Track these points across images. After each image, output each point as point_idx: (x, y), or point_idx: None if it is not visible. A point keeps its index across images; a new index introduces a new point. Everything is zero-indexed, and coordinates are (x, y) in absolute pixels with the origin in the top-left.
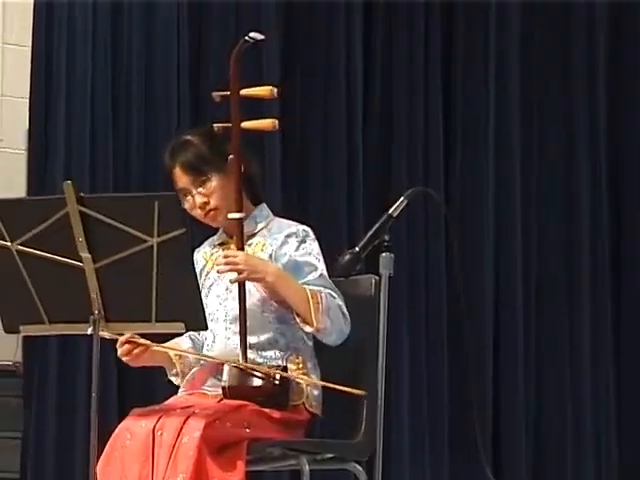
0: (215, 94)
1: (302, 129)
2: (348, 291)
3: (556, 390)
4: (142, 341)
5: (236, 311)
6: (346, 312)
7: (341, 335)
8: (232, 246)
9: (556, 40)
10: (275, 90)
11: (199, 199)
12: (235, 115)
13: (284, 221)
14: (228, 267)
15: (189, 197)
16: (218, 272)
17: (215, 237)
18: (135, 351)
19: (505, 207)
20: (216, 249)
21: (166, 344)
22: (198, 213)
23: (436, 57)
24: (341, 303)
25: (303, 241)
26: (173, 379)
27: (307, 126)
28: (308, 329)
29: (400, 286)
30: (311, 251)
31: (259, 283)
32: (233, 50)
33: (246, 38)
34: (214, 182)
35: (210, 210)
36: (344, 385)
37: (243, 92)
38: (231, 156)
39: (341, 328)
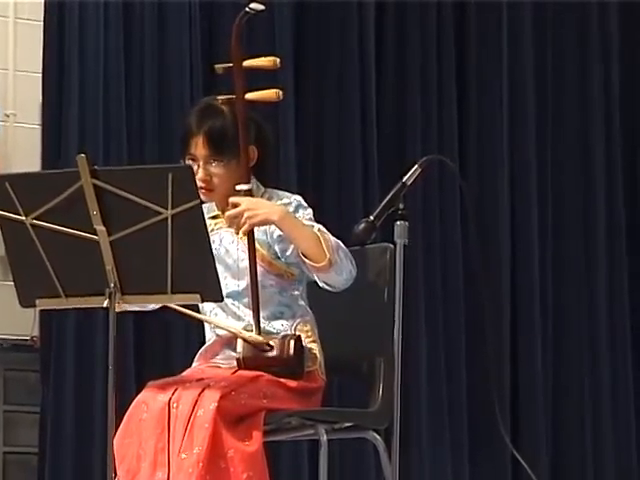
0: (218, 66)
1: (316, 100)
2: (363, 260)
3: (575, 368)
4: None
5: (236, 287)
6: (352, 258)
7: (350, 277)
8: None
9: (570, 26)
10: (278, 60)
11: (202, 174)
12: (239, 87)
13: (276, 192)
14: (234, 217)
15: (195, 164)
16: (232, 229)
17: (205, 209)
18: None
19: (521, 173)
20: (209, 222)
21: None
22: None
23: (450, 35)
24: (347, 250)
25: (296, 210)
26: None
27: (321, 97)
28: (320, 264)
29: (416, 254)
30: (306, 216)
31: (267, 225)
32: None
33: (246, 9)
34: (224, 168)
35: (207, 189)
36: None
37: (246, 63)
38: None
39: (350, 269)
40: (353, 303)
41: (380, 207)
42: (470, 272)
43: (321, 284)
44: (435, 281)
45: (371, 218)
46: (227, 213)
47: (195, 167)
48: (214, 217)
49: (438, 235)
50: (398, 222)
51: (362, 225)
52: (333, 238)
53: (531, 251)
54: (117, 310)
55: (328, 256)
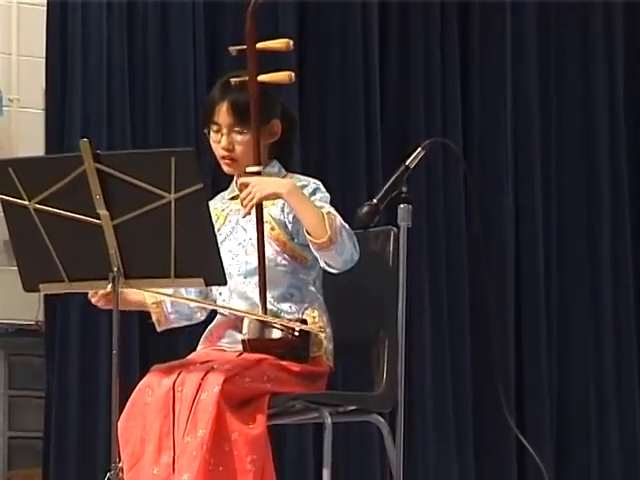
0: (232, 48)
1: (320, 83)
2: (367, 243)
3: (579, 358)
4: None
5: (249, 265)
6: (356, 243)
7: (350, 259)
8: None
9: (574, 26)
10: (291, 43)
11: (225, 142)
12: (252, 68)
13: (296, 176)
14: (244, 198)
15: (219, 134)
16: (243, 205)
17: (226, 192)
18: (101, 291)
19: (524, 156)
20: (227, 204)
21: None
22: (219, 152)
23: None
24: (352, 232)
25: (313, 193)
26: (155, 323)
27: (325, 79)
28: (321, 240)
29: (420, 237)
30: (320, 199)
31: (275, 198)
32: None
33: None
34: (248, 136)
35: (230, 158)
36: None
37: (259, 45)
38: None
39: (352, 252)
40: (357, 286)
41: (383, 190)
42: (474, 255)
43: (322, 264)
44: (439, 264)
45: (374, 201)
46: (240, 180)
47: (219, 136)
48: (234, 197)
49: (442, 218)
50: (401, 205)
51: (365, 208)
52: (340, 220)
53: (535, 233)
54: (162, 328)
55: (329, 233)
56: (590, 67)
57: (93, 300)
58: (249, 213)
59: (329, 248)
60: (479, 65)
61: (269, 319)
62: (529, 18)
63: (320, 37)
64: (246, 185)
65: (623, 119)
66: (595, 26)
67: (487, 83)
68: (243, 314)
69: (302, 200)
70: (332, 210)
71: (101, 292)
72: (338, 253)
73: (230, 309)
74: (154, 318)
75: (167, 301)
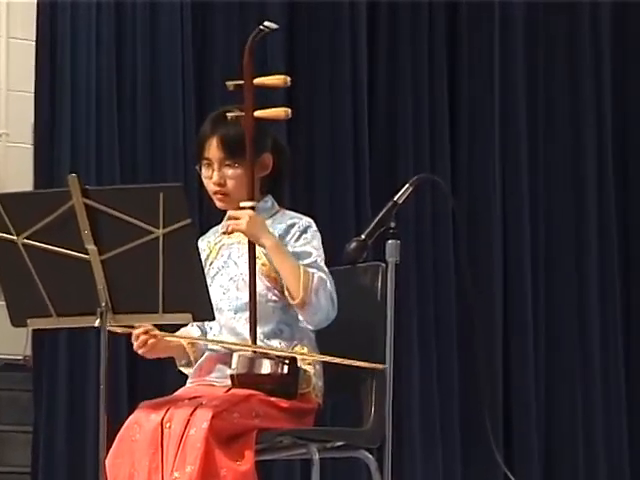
0: (229, 83)
1: (308, 118)
2: (355, 279)
3: (567, 390)
4: (156, 332)
5: (240, 301)
6: (335, 299)
7: (325, 318)
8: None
9: (562, 25)
10: (288, 79)
11: (217, 177)
12: (249, 104)
13: (288, 212)
14: (232, 222)
15: (210, 169)
16: (225, 233)
17: (220, 226)
18: (150, 341)
19: (512, 192)
20: (219, 237)
21: (177, 333)
22: (210, 187)
23: (442, 44)
24: (332, 289)
25: (304, 232)
26: (183, 369)
27: (313, 115)
28: (294, 301)
29: (408, 273)
30: (310, 241)
31: (257, 243)
32: (247, 39)
33: (261, 27)
34: (239, 170)
35: (222, 192)
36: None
37: (256, 81)
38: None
39: (328, 310)
40: (345, 321)
41: (372, 226)
42: (462, 290)
43: (300, 317)
44: (427, 299)
45: (363, 237)
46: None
47: (210, 171)
48: (226, 232)
49: (430, 254)
50: (390, 241)
51: (354, 244)
52: (319, 277)
53: (523, 268)
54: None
55: (301, 295)
56: (577, 69)
57: (140, 351)
58: (231, 232)
59: (302, 308)
60: (467, 65)
61: (275, 352)
62: (517, 19)
63: (311, 27)
64: (236, 218)
65: (610, 119)
66: (582, 26)
67: (475, 84)
68: (238, 348)
69: (282, 259)
70: (318, 259)
71: (150, 342)
72: (312, 313)
73: (230, 343)
74: (192, 358)
75: None
